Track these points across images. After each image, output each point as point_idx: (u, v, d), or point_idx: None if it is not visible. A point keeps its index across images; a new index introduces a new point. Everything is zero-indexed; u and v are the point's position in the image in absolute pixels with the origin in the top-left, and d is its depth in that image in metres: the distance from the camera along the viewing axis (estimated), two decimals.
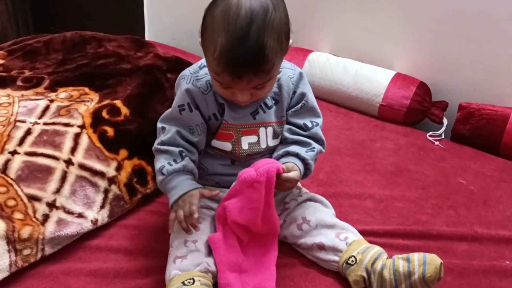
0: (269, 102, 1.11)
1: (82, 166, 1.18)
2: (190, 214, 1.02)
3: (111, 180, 1.20)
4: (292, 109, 1.13)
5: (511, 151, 1.55)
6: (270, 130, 1.11)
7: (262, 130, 1.11)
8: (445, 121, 1.66)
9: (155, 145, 1.10)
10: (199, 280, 0.96)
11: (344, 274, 1.03)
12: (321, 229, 1.07)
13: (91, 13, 2.59)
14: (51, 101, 1.35)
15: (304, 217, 1.10)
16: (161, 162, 1.08)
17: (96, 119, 1.28)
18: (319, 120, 1.15)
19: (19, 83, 1.46)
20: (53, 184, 1.13)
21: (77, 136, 1.23)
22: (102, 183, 1.19)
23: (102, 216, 1.16)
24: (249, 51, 0.93)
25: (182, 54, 1.84)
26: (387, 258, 1.01)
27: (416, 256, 0.97)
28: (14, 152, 1.17)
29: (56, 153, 1.18)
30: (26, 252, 1.03)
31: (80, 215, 1.13)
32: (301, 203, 1.13)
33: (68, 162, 1.17)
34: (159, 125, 1.12)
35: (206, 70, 1.07)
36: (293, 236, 1.10)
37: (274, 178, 0.99)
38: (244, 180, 0.98)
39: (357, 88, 1.74)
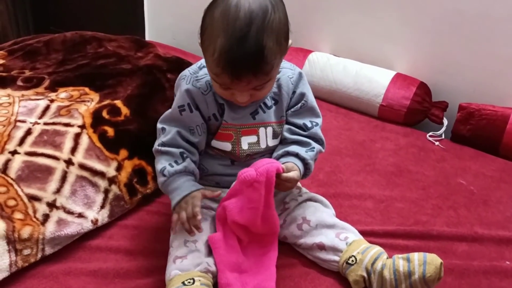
0: (269, 102, 1.11)
1: (82, 166, 1.18)
2: (193, 215, 1.03)
3: (111, 180, 1.20)
4: (292, 109, 1.13)
5: (511, 152, 1.55)
6: (269, 130, 1.11)
7: (261, 130, 1.11)
8: (445, 122, 1.66)
9: (156, 146, 1.10)
10: (199, 280, 0.96)
11: (344, 274, 1.03)
12: (321, 229, 1.07)
13: (91, 13, 2.59)
14: (52, 101, 1.35)
15: (304, 217, 1.10)
16: (162, 164, 1.08)
17: (96, 119, 1.28)
18: (319, 120, 1.15)
19: (19, 83, 1.46)
20: (53, 184, 1.13)
21: (77, 136, 1.23)
22: (102, 183, 1.19)
23: (102, 216, 1.16)
24: (248, 52, 0.93)
25: (182, 54, 1.84)
26: (387, 258, 1.01)
27: (416, 256, 0.97)
28: (14, 152, 1.17)
29: (56, 153, 1.18)
30: (26, 252, 1.03)
31: (80, 215, 1.13)
32: (301, 203, 1.13)
33: (68, 162, 1.17)
34: (159, 125, 1.12)
35: (205, 70, 1.07)
36: (293, 236, 1.10)
37: (274, 178, 0.99)
38: (244, 180, 0.98)
39: (357, 88, 1.74)
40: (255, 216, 1.01)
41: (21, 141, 1.20)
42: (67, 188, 1.14)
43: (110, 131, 1.27)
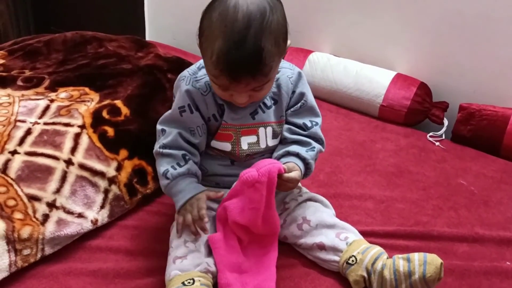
0: (268, 102, 1.10)
1: (82, 166, 1.18)
2: (200, 218, 1.03)
3: (111, 180, 1.20)
4: (292, 109, 1.13)
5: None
6: (269, 130, 1.11)
7: (261, 130, 1.11)
8: (445, 122, 1.66)
9: (157, 149, 1.10)
10: (199, 281, 0.96)
11: (344, 274, 1.03)
12: (321, 229, 1.07)
13: (91, 13, 2.59)
14: (52, 101, 1.35)
15: (304, 217, 1.09)
16: (164, 166, 1.08)
17: (97, 119, 1.28)
18: (319, 120, 1.15)
19: (19, 83, 1.46)
20: (53, 184, 1.13)
21: (77, 136, 1.23)
22: (102, 183, 1.19)
23: (102, 216, 1.16)
24: (246, 54, 0.92)
25: (183, 54, 1.84)
26: (387, 258, 1.01)
27: (416, 256, 0.97)
28: (14, 152, 1.16)
29: (56, 153, 1.18)
30: (26, 252, 1.03)
31: (80, 215, 1.13)
32: (301, 203, 1.13)
33: (68, 162, 1.17)
34: (158, 127, 1.11)
35: (205, 71, 1.07)
36: (293, 236, 1.09)
37: (276, 178, 0.99)
38: (246, 181, 0.98)
39: (357, 88, 1.74)
40: (256, 216, 1.01)
41: (21, 141, 1.19)
42: (67, 188, 1.14)
43: (110, 131, 1.27)
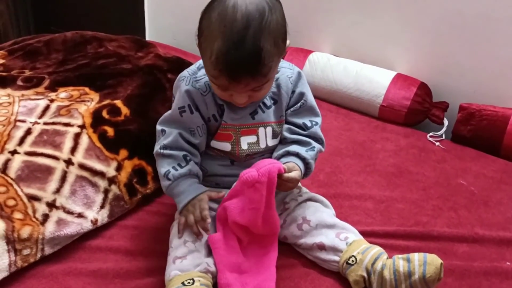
0: (268, 102, 1.10)
1: (82, 166, 1.18)
2: (202, 219, 1.04)
3: (111, 180, 1.20)
4: (291, 109, 1.13)
5: None
6: (269, 130, 1.11)
7: (261, 130, 1.11)
8: (445, 122, 1.66)
9: (157, 149, 1.10)
10: (199, 281, 0.96)
11: (344, 274, 1.03)
12: (321, 229, 1.07)
13: (91, 13, 2.59)
14: (51, 101, 1.35)
15: (304, 217, 1.09)
16: (165, 167, 1.08)
17: (96, 119, 1.28)
18: (318, 120, 1.15)
19: (19, 82, 1.46)
20: (53, 184, 1.13)
21: (77, 136, 1.23)
22: (102, 183, 1.19)
23: (102, 216, 1.16)
24: (245, 54, 0.92)
25: (183, 54, 1.84)
26: (387, 258, 1.01)
27: (416, 256, 0.97)
28: (14, 152, 1.16)
29: (56, 153, 1.18)
30: (26, 252, 1.03)
31: (80, 215, 1.12)
32: (301, 203, 1.13)
33: (68, 162, 1.17)
34: (158, 127, 1.11)
35: (204, 71, 1.07)
36: (293, 236, 1.09)
37: (276, 178, 0.99)
38: (246, 181, 0.98)
39: (357, 88, 1.73)
40: (256, 216, 1.01)
41: (21, 141, 1.19)
42: (66, 188, 1.14)
43: (110, 131, 1.27)
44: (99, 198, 1.17)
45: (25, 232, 1.03)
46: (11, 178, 1.11)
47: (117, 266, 1.06)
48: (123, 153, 1.25)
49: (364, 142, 1.58)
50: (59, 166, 1.16)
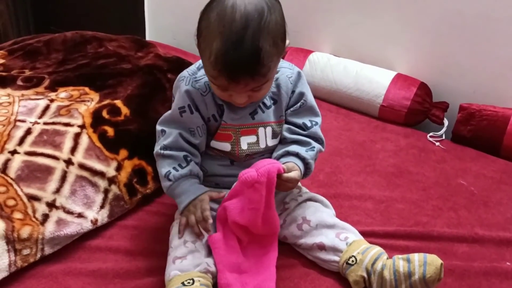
0: (268, 102, 1.10)
1: (82, 166, 1.18)
2: (204, 219, 1.04)
3: (111, 180, 1.20)
4: (291, 109, 1.13)
5: None
6: (269, 130, 1.11)
7: (261, 130, 1.11)
8: (445, 122, 1.66)
9: (158, 150, 1.10)
10: (199, 281, 0.96)
11: (344, 274, 1.03)
12: (321, 229, 1.07)
13: (91, 13, 2.59)
14: (51, 100, 1.35)
15: (304, 217, 1.09)
16: (166, 168, 1.08)
17: (96, 119, 1.28)
18: (318, 119, 1.15)
19: (19, 82, 1.46)
20: (53, 184, 1.13)
21: (77, 136, 1.23)
22: (102, 183, 1.19)
23: (102, 216, 1.16)
24: (244, 55, 0.92)
25: (183, 54, 1.84)
26: (387, 259, 1.01)
27: (416, 257, 0.97)
28: (14, 152, 1.16)
29: (56, 153, 1.18)
30: (26, 252, 1.03)
31: (80, 215, 1.12)
32: (301, 203, 1.12)
33: (68, 162, 1.17)
34: (158, 128, 1.11)
35: (204, 71, 1.07)
36: (293, 236, 1.09)
37: (275, 178, 0.99)
38: (245, 181, 0.98)
39: (357, 88, 1.73)
40: (255, 216, 1.01)
41: (21, 141, 1.19)
42: (66, 188, 1.14)
43: (110, 131, 1.27)
44: (99, 198, 1.17)
45: (25, 232, 1.03)
46: (11, 178, 1.11)
47: (117, 266, 1.06)
48: (123, 153, 1.25)
49: (364, 142, 1.58)
50: (59, 166, 1.16)
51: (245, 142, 1.10)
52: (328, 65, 1.80)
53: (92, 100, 1.36)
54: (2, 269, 0.99)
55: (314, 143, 1.12)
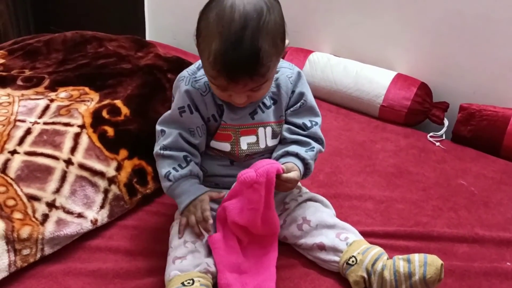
0: (268, 102, 1.10)
1: (82, 166, 1.18)
2: (204, 220, 1.04)
3: (111, 180, 1.20)
4: (291, 109, 1.13)
5: None
6: (269, 130, 1.11)
7: (261, 130, 1.11)
8: (446, 122, 1.66)
9: (157, 150, 1.10)
10: (199, 281, 0.96)
11: (344, 275, 1.03)
12: (321, 229, 1.07)
13: (92, 13, 2.59)
14: (51, 100, 1.35)
15: (304, 217, 1.09)
16: (166, 168, 1.08)
17: (96, 119, 1.28)
18: (318, 120, 1.14)
19: (19, 82, 1.46)
20: (52, 184, 1.13)
21: (77, 136, 1.23)
22: (102, 183, 1.18)
23: (102, 216, 1.16)
24: (243, 55, 0.92)
25: (183, 54, 1.84)
26: (387, 259, 1.01)
27: (416, 257, 0.97)
28: (13, 152, 1.16)
29: (56, 153, 1.18)
30: (26, 252, 1.03)
31: (79, 215, 1.12)
32: (301, 203, 1.12)
33: (68, 162, 1.17)
34: (158, 128, 1.11)
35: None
36: (293, 236, 1.09)
37: (274, 179, 0.99)
38: (244, 181, 0.98)
39: (357, 88, 1.73)
40: (255, 217, 1.01)
41: (21, 141, 1.19)
42: (66, 188, 1.14)
43: (110, 131, 1.27)
44: (99, 198, 1.17)
45: (25, 232, 1.03)
46: (11, 178, 1.11)
47: (116, 266, 1.06)
48: (123, 153, 1.25)
49: (364, 142, 1.58)
50: (59, 166, 1.16)
51: (244, 142, 1.10)
52: (328, 65, 1.80)
53: (92, 100, 1.36)
54: (1, 269, 0.99)
55: (314, 144, 1.11)
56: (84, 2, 2.62)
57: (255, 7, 0.93)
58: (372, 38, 1.83)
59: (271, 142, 1.12)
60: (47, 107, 1.32)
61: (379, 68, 1.77)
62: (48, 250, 1.06)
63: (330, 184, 1.36)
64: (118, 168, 1.22)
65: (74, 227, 1.10)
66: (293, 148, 1.09)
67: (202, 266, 0.99)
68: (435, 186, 1.39)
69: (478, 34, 1.62)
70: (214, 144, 1.10)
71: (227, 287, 0.97)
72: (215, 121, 1.09)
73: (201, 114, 1.08)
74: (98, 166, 1.19)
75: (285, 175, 1.03)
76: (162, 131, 1.10)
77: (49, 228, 1.07)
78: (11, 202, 1.07)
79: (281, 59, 1.07)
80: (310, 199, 1.14)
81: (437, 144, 1.60)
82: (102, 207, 1.17)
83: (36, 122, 1.26)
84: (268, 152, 1.13)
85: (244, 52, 0.92)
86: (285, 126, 1.13)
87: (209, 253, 1.03)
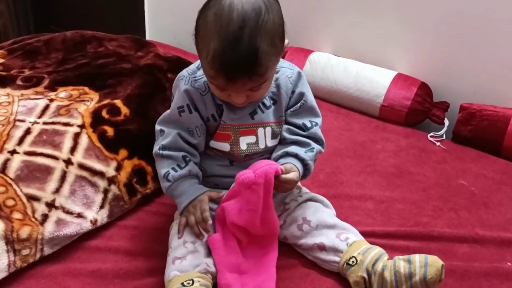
0: (268, 102, 1.10)
1: (81, 166, 1.18)
2: (204, 220, 1.04)
3: (111, 180, 1.20)
4: (291, 109, 1.12)
5: None
6: (268, 130, 1.11)
7: (260, 130, 1.10)
8: (446, 122, 1.66)
9: (156, 150, 1.09)
10: (199, 281, 0.96)
11: (345, 275, 1.03)
12: (321, 230, 1.07)
13: (91, 12, 2.59)
14: (51, 100, 1.35)
15: (305, 217, 1.09)
16: (165, 168, 1.07)
17: (96, 119, 1.28)
18: (318, 120, 1.14)
19: (19, 82, 1.46)
20: (52, 184, 1.13)
21: (76, 136, 1.22)
22: (102, 183, 1.18)
23: (102, 216, 1.16)
24: (241, 55, 0.92)
25: (183, 54, 1.84)
26: (388, 259, 1.00)
27: (417, 258, 0.97)
28: (13, 152, 1.16)
29: (56, 153, 1.18)
30: (25, 252, 1.03)
31: (79, 215, 1.12)
32: (301, 203, 1.12)
33: (68, 162, 1.17)
34: (157, 127, 1.11)
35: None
36: (294, 236, 1.09)
37: (273, 179, 0.98)
38: (242, 182, 0.98)
39: (358, 88, 1.73)
40: (254, 217, 1.00)
41: (20, 141, 1.19)
42: (66, 188, 1.14)
43: (110, 131, 1.26)
44: (98, 198, 1.17)
45: (24, 232, 1.03)
46: (10, 178, 1.11)
47: (116, 266, 1.06)
48: (123, 153, 1.24)
49: (365, 142, 1.57)
50: (59, 166, 1.16)
51: (244, 142, 1.10)
52: (328, 65, 1.80)
53: (91, 100, 1.36)
54: (1, 270, 0.99)
55: (313, 144, 1.11)
56: (84, 2, 2.62)
57: (253, 6, 0.93)
58: (373, 38, 1.83)
59: (270, 143, 1.12)
60: (46, 107, 1.32)
61: (380, 68, 1.76)
62: (47, 250, 1.06)
63: (330, 184, 1.36)
64: (118, 168, 1.22)
65: (74, 227, 1.10)
66: (293, 148, 1.09)
67: (201, 266, 0.99)
68: (436, 186, 1.38)
69: (478, 34, 1.62)
70: (214, 144, 1.10)
71: (227, 287, 0.97)
72: (214, 121, 1.08)
73: (201, 113, 1.08)
74: (97, 166, 1.19)
75: (284, 176, 1.02)
76: (161, 131, 1.09)
77: (49, 228, 1.06)
78: (10, 202, 1.07)
79: (281, 59, 1.07)
80: (310, 199, 1.13)
81: (438, 144, 1.60)
82: (101, 207, 1.16)
83: (35, 122, 1.26)
84: (267, 153, 1.13)
85: (242, 52, 0.92)
86: (285, 126, 1.13)
87: (209, 253, 1.03)
